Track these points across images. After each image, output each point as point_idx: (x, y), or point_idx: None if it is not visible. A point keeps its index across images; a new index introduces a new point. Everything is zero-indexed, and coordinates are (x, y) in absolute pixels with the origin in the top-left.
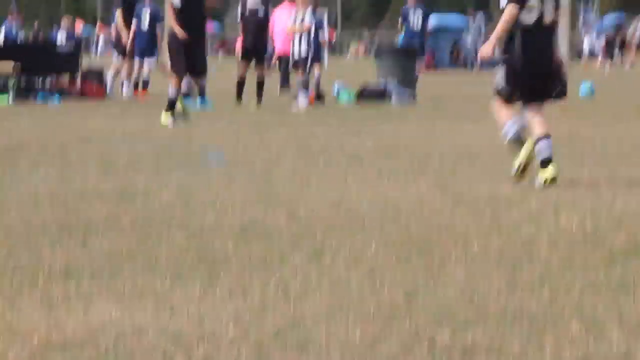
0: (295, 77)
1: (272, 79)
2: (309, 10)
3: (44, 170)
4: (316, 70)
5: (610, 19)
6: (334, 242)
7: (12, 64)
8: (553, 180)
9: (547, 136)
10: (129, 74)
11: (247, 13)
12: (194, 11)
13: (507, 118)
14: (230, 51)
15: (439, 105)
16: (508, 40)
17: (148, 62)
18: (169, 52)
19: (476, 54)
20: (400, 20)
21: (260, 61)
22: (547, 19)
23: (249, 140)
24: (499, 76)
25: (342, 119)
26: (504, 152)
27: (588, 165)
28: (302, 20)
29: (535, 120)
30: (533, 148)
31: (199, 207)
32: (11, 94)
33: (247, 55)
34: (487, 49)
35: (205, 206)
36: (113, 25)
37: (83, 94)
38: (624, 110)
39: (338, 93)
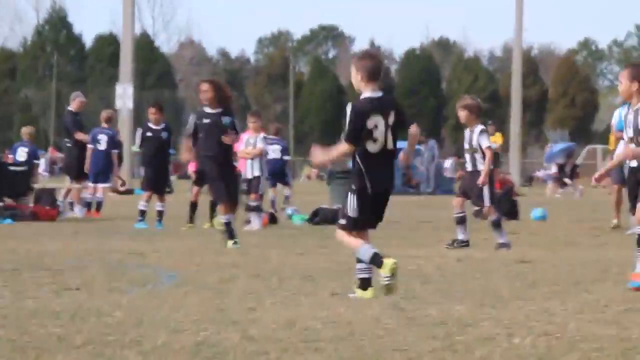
0: (248, 200)
1: None
2: (261, 135)
3: None
4: (271, 193)
5: (561, 146)
6: None
7: None
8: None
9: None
10: (78, 196)
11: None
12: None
13: (356, 243)
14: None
15: (390, 228)
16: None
17: (102, 187)
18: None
19: (428, 178)
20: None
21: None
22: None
23: (202, 260)
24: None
25: (295, 240)
26: (454, 274)
27: (540, 288)
28: (254, 145)
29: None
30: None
31: (152, 327)
32: None
33: (200, 179)
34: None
35: (157, 326)
36: (68, 147)
37: (35, 215)
38: (575, 234)
39: (291, 215)
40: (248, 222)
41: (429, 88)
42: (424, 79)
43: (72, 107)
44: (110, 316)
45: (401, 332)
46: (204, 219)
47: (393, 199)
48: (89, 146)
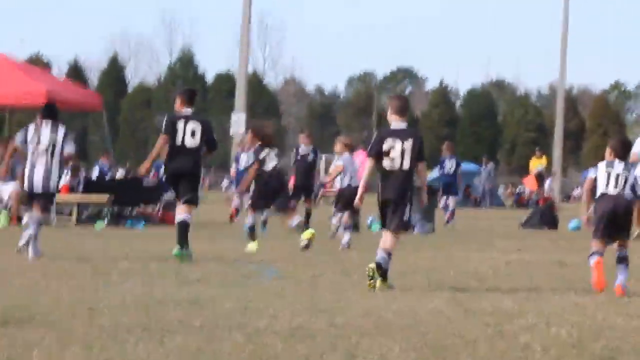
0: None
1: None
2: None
3: (131, 281)
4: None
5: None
6: (365, 345)
7: (107, 196)
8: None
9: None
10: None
11: (299, 158)
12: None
13: None
14: None
15: (453, 235)
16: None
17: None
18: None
19: (484, 194)
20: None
21: (308, 196)
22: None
23: (298, 259)
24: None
25: (373, 244)
26: (506, 274)
27: (574, 286)
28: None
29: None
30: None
31: (255, 314)
32: (105, 220)
33: (297, 193)
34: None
35: (260, 313)
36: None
37: (163, 221)
38: None
39: (371, 224)
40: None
41: (487, 120)
42: (483, 112)
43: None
44: (222, 305)
45: (459, 321)
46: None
47: (457, 211)
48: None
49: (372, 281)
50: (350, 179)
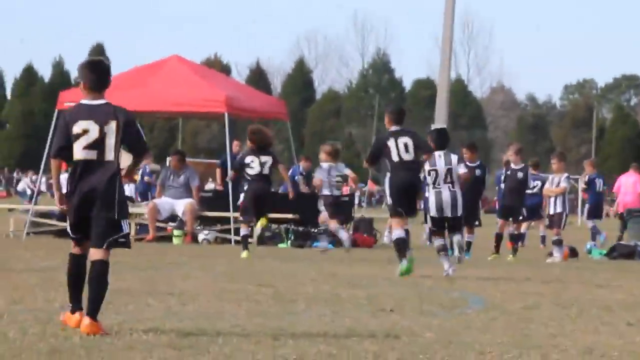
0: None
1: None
2: (564, 175)
3: (318, 308)
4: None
5: None
6: None
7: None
8: None
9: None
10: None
11: (508, 174)
12: None
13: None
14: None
15: None
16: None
17: None
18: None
19: None
20: None
21: (516, 218)
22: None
23: (506, 287)
24: None
25: (593, 273)
26: None
27: None
28: (558, 184)
29: None
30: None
31: (459, 348)
32: (290, 238)
33: (505, 213)
34: None
35: (465, 347)
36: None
37: (354, 242)
38: None
39: (590, 250)
40: (550, 254)
41: None
42: None
43: None
44: (421, 337)
45: None
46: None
47: None
48: None
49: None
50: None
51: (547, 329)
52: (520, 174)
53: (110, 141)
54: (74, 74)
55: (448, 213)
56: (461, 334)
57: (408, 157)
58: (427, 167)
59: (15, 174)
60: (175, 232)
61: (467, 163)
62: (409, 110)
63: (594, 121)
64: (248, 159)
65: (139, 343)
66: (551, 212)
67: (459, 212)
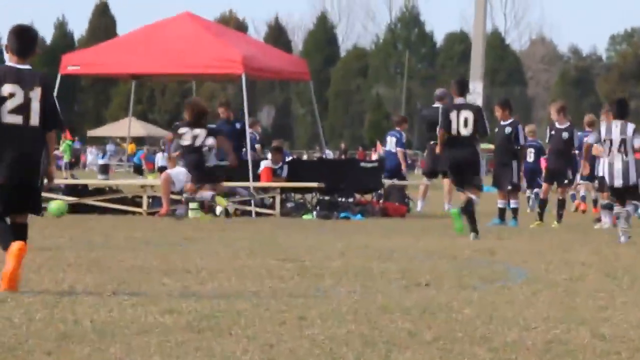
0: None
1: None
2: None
3: (348, 285)
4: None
5: None
6: None
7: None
8: None
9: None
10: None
11: (552, 134)
12: None
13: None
14: None
15: None
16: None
17: None
18: None
19: None
20: None
21: (561, 183)
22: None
23: (551, 258)
24: None
25: None
26: None
27: None
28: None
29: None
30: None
31: (502, 324)
32: (317, 209)
33: (550, 178)
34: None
35: (507, 323)
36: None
37: (385, 211)
38: None
39: None
40: (599, 220)
41: None
42: None
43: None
44: (460, 312)
45: None
46: (553, 218)
47: None
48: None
49: None
50: None
51: (595, 302)
52: (565, 134)
53: (35, 106)
54: (78, 35)
55: (619, 182)
56: (503, 308)
57: (465, 132)
58: (602, 134)
59: None
60: (192, 205)
61: (501, 122)
62: (442, 66)
63: None
64: (182, 130)
65: (155, 326)
66: (600, 174)
67: (631, 181)
